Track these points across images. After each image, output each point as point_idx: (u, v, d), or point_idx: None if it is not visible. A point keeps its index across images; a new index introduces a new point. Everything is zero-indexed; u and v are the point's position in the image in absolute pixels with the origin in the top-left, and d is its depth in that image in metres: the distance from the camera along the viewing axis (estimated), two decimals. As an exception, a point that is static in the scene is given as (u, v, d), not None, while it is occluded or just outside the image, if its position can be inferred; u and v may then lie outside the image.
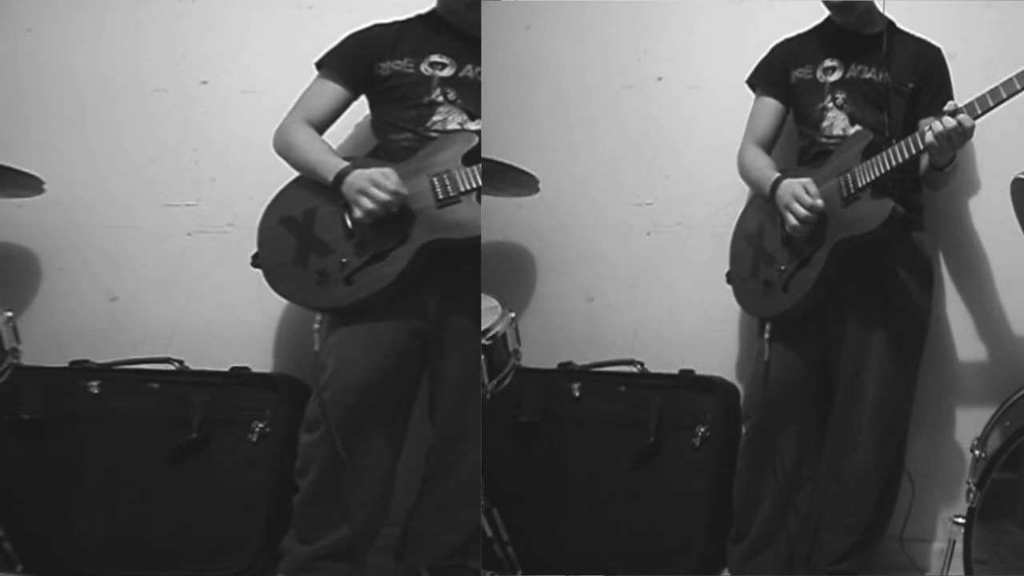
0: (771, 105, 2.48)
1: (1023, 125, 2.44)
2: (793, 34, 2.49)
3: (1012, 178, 2.11)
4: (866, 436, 2.32)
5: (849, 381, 2.34)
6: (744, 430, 2.46)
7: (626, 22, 2.74)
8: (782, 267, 2.35)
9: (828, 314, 2.35)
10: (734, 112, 2.54)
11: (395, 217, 2.18)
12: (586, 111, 2.78)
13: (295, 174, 2.34)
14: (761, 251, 2.42)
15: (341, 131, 2.50)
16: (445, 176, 2.19)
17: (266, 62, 2.64)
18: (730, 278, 2.50)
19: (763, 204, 2.44)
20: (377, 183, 2.15)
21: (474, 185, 2.18)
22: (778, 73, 2.47)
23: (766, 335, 2.36)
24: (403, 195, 2.16)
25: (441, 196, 2.19)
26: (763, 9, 2.66)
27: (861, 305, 2.32)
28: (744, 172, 2.49)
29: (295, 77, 2.42)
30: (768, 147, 2.49)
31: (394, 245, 2.18)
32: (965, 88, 2.11)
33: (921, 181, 2.40)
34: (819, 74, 2.40)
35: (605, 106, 2.77)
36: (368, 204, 2.15)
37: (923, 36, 2.38)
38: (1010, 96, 2.02)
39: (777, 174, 2.36)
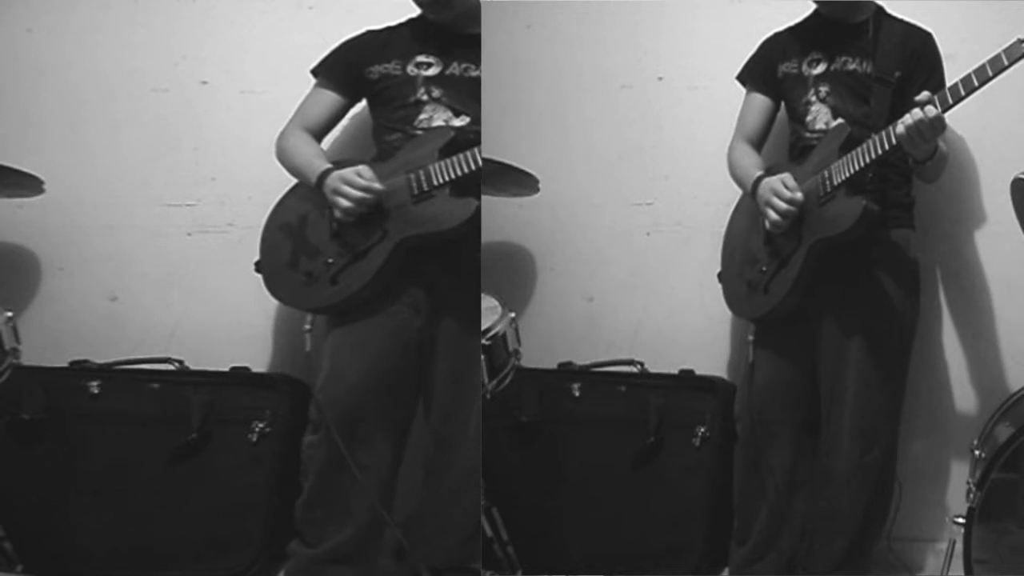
0: (760, 101, 2.46)
1: (1022, 125, 2.44)
2: (782, 28, 2.47)
3: (1012, 178, 2.09)
4: (848, 442, 2.28)
5: (830, 387, 2.31)
6: (738, 432, 2.45)
7: (626, 22, 2.74)
8: (763, 268, 2.32)
9: (811, 315, 2.32)
10: (734, 112, 2.53)
11: (374, 215, 2.20)
12: (586, 111, 2.78)
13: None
14: (746, 252, 2.40)
15: (353, 136, 2.53)
16: (420, 172, 2.21)
17: (266, 62, 2.64)
18: (721, 277, 2.49)
19: (749, 204, 2.42)
20: (349, 181, 2.18)
21: (447, 179, 2.19)
22: (766, 68, 2.45)
23: (751, 337, 2.35)
24: (376, 190, 2.19)
25: (416, 192, 2.21)
26: (763, 9, 2.65)
27: (839, 308, 2.29)
28: (731, 170, 2.47)
29: (295, 77, 2.42)
30: (758, 144, 2.47)
31: (374, 243, 2.21)
32: (965, 89, 2.10)
33: (911, 175, 2.35)
34: (804, 67, 2.37)
35: (605, 106, 2.77)
36: (343, 203, 2.18)
37: (913, 21, 2.33)
38: (983, 83, 1.94)
39: (759, 173, 2.34)
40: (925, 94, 2.02)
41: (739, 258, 2.42)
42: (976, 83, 1.95)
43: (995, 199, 2.40)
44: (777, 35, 2.46)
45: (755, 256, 2.36)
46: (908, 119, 2.02)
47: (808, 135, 2.35)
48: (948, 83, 2.18)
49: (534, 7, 2.77)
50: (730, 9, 2.69)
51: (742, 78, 2.50)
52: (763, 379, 2.35)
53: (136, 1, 2.67)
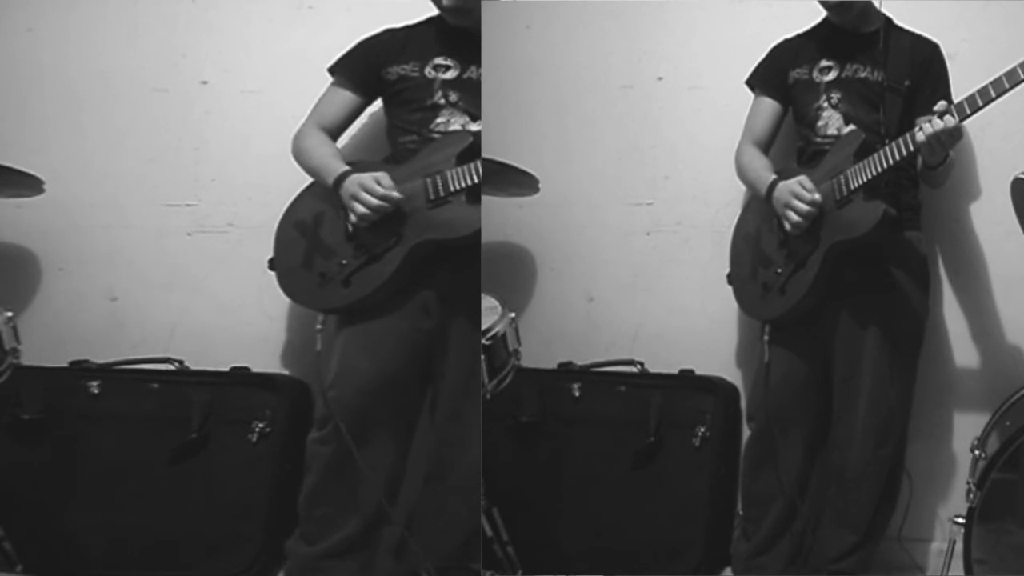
0: (769, 105, 2.49)
1: (1023, 125, 2.44)
2: (792, 35, 2.49)
3: (1012, 178, 2.10)
4: (862, 436, 2.32)
5: (845, 381, 2.34)
6: (749, 431, 2.47)
7: (626, 22, 2.74)
8: (779, 270, 2.35)
9: (826, 314, 2.35)
10: (734, 112, 2.53)
11: (390, 219, 2.20)
12: (586, 111, 2.78)
13: (293, 175, 2.36)
14: (759, 253, 2.42)
15: (369, 135, 2.52)
16: (437, 177, 2.21)
17: (266, 62, 2.64)
18: (731, 279, 2.51)
19: (760, 206, 2.44)
20: (368, 188, 2.18)
21: (464, 185, 2.19)
22: (776, 73, 2.48)
23: (765, 337, 2.37)
24: (394, 199, 2.19)
25: (432, 197, 2.21)
26: (763, 9, 2.65)
27: (856, 304, 2.32)
28: (741, 173, 2.49)
29: (295, 77, 2.43)
30: (765, 147, 2.49)
31: (388, 246, 2.21)
32: (965, 89, 2.10)
33: (918, 179, 2.40)
34: (815, 74, 2.41)
35: (605, 106, 2.77)
36: (361, 209, 2.18)
37: (921, 32, 2.37)
38: (999, 95, 2.01)
39: (773, 176, 2.37)
40: (943, 104, 2.07)
41: (751, 260, 2.44)
42: (993, 94, 2.01)
43: (996, 199, 2.39)
44: (787, 41, 2.49)
45: (770, 258, 2.38)
46: (928, 127, 2.07)
47: (819, 140, 2.38)
48: (955, 90, 2.25)
49: (534, 7, 2.77)
50: (730, 9, 2.69)
51: (751, 82, 2.52)
52: (778, 377, 2.37)
53: (136, 1, 2.68)
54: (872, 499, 2.34)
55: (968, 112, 2.04)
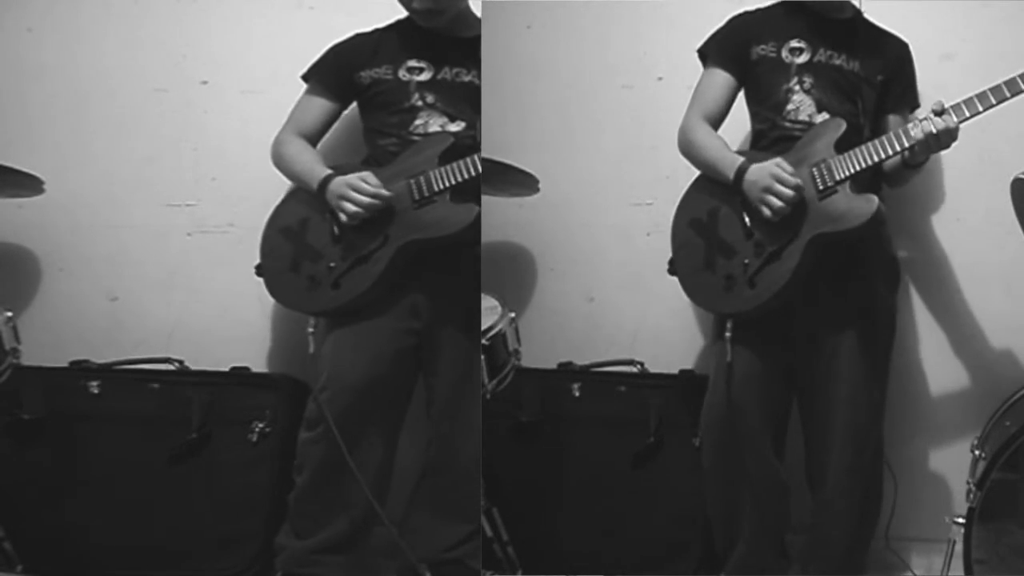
0: (724, 79, 2.33)
1: (1021, 125, 2.44)
2: (754, 8, 2.39)
3: (1012, 178, 2.10)
4: (840, 442, 2.23)
5: (821, 384, 2.25)
6: (705, 436, 2.36)
7: (626, 22, 2.74)
8: (746, 260, 2.20)
9: (797, 312, 2.24)
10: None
11: (376, 220, 2.23)
12: (586, 111, 2.78)
13: (293, 175, 2.37)
14: (717, 242, 2.26)
15: (342, 139, 2.53)
16: (421, 177, 2.24)
17: (266, 62, 2.64)
18: (673, 269, 2.33)
19: (714, 189, 2.28)
20: (356, 187, 2.21)
21: (447, 184, 2.22)
22: (736, 47, 2.33)
23: (727, 334, 2.22)
24: (384, 196, 2.21)
25: (417, 197, 2.24)
26: (763, 9, 2.65)
27: (829, 304, 2.23)
28: (692, 150, 2.32)
29: (295, 77, 2.42)
30: (716, 125, 2.34)
31: (376, 247, 2.24)
32: (965, 88, 2.10)
33: (881, 177, 2.31)
34: (785, 53, 2.29)
35: (605, 106, 2.77)
36: (351, 208, 2.21)
37: (889, 29, 2.34)
38: (999, 102, 2.02)
39: (742, 158, 2.22)
40: (940, 102, 2.06)
41: (706, 249, 2.27)
42: (993, 100, 2.03)
43: (997, 198, 2.39)
44: (749, 14, 2.37)
45: (732, 247, 2.23)
46: (929, 125, 2.05)
47: (787, 124, 2.27)
48: (954, 90, 2.19)
49: (534, 7, 2.77)
50: (730, 9, 2.67)
51: (704, 52, 2.38)
52: (741, 378, 2.25)
53: (137, 1, 2.68)
54: (855, 505, 2.27)
55: (967, 114, 2.04)
